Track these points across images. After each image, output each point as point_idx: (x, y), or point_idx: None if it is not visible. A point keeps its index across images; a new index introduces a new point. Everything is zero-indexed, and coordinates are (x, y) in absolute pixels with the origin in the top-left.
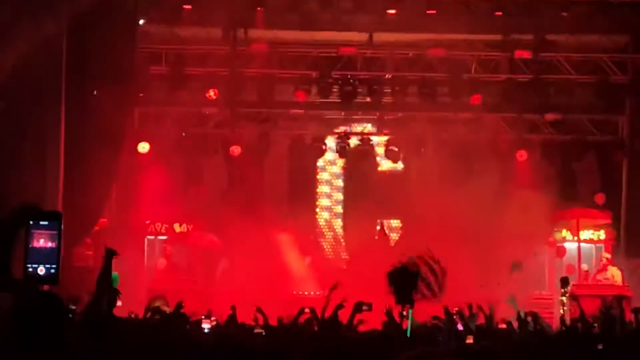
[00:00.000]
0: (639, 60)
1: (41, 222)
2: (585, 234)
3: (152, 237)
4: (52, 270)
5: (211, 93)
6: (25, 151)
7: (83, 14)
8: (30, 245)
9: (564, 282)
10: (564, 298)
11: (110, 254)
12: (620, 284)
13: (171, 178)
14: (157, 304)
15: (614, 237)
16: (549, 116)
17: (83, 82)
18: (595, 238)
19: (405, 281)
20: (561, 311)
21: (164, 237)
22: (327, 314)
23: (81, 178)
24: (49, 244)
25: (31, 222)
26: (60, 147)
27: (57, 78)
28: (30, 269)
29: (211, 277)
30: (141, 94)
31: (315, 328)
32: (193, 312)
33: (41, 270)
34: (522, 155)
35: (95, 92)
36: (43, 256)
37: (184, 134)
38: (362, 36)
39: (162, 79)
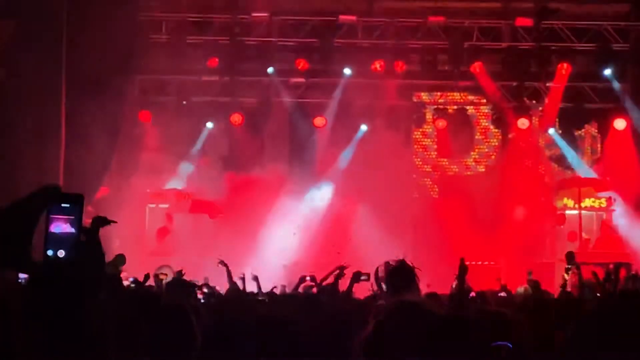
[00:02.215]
0: None
1: (62, 205)
2: (586, 202)
3: (154, 205)
4: (71, 255)
5: (212, 61)
6: (26, 118)
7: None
8: (50, 229)
9: (570, 257)
10: (566, 275)
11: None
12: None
13: (172, 146)
14: (163, 271)
15: (614, 205)
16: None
17: (83, 50)
18: (597, 206)
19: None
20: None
21: (166, 205)
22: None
23: (82, 147)
24: (70, 228)
25: (51, 205)
26: (61, 115)
27: (58, 46)
28: (51, 253)
29: (211, 245)
30: (142, 62)
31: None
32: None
33: (61, 253)
34: (523, 123)
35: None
36: (64, 240)
37: (184, 102)
38: (363, 4)
39: (162, 47)
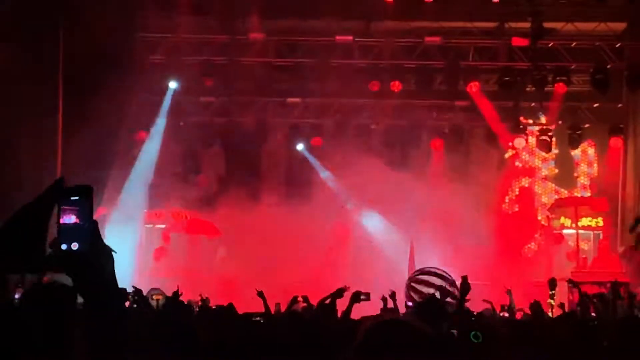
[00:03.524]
0: (636, 48)
1: (72, 198)
2: (583, 222)
3: (151, 225)
4: (85, 246)
5: (209, 81)
6: (24, 139)
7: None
8: (61, 222)
9: (552, 284)
10: (552, 301)
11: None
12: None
13: (170, 166)
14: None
15: (611, 224)
16: (547, 104)
17: (82, 69)
18: (593, 225)
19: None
20: (550, 314)
21: (163, 226)
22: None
23: (79, 166)
24: (81, 220)
25: (61, 199)
26: (58, 135)
27: (55, 64)
28: (64, 247)
29: (209, 265)
30: (139, 82)
31: (308, 316)
32: (190, 300)
33: (75, 246)
34: (519, 142)
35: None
36: (76, 232)
37: (181, 123)
38: (360, 24)
39: (159, 67)
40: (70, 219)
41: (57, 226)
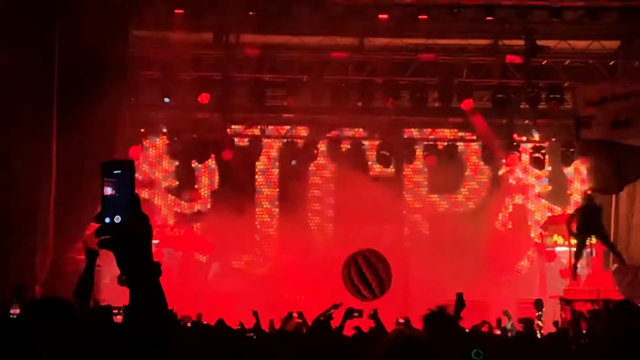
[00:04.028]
0: (629, 66)
1: (114, 172)
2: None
3: None
4: (126, 219)
5: (203, 97)
6: (17, 153)
7: (75, 18)
8: (105, 195)
9: (538, 305)
10: (539, 322)
11: (91, 254)
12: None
13: (163, 182)
14: None
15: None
16: (541, 121)
17: (75, 85)
18: (587, 242)
19: None
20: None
21: (156, 241)
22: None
23: (72, 182)
24: (123, 193)
25: (104, 172)
26: (52, 149)
27: (50, 80)
28: (108, 220)
29: (203, 281)
30: (132, 98)
31: (304, 332)
32: (184, 316)
33: (117, 219)
34: (512, 159)
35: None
36: (118, 205)
37: (175, 139)
38: (354, 41)
39: (153, 83)
40: (112, 192)
41: (102, 199)
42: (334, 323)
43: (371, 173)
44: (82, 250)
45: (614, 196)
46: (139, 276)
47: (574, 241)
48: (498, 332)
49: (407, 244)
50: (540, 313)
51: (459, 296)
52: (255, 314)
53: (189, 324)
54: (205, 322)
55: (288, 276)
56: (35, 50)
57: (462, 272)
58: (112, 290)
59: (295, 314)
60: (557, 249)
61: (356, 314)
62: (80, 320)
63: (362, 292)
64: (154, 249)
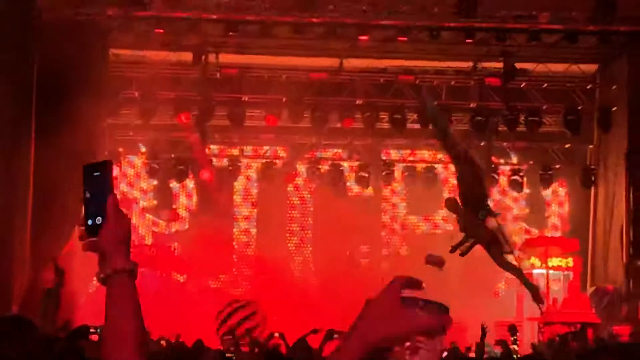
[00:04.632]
0: (607, 90)
1: (94, 174)
2: (553, 262)
3: None
4: (101, 221)
5: (182, 117)
6: None
7: (53, 38)
8: (86, 198)
9: (512, 330)
10: (515, 346)
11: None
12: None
13: (140, 201)
14: None
15: (582, 265)
16: (519, 144)
17: (53, 104)
18: (564, 265)
19: None
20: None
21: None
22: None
23: (49, 200)
24: (102, 194)
25: (84, 176)
26: (30, 166)
27: (28, 99)
28: (90, 222)
29: (181, 301)
30: (111, 117)
31: (284, 352)
32: (161, 337)
33: (98, 220)
34: (490, 182)
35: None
36: (98, 207)
37: (154, 159)
38: (333, 62)
39: (132, 102)
40: (92, 194)
41: (84, 202)
42: (315, 345)
43: (350, 194)
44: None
45: (591, 217)
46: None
47: (551, 264)
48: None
49: (385, 265)
50: (514, 338)
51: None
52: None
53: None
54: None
55: (266, 297)
56: (12, 69)
57: (439, 293)
58: (88, 309)
59: (276, 334)
60: (535, 271)
61: (336, 336)
62: (36, 339)
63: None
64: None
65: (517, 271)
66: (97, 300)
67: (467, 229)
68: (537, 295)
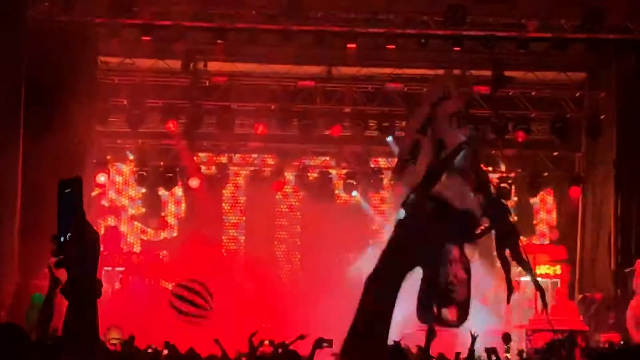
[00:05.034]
0: (596, 98)
1: (66, 190)
2: (541, 269)
3: (110, 268)
4: (66, 238)
5: (170, 125)
6: None
7: (43, 45)
8: (59, 214)
9: (507, 338)
10: (508, 354)
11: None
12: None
13: (130, 209)
14: (112, 334)
15: (569, 272)
16: (507, 151)
17: (42, 111)
18: (552, 273)
19: None
20: None
21: (122, 268)
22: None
23: (39, 208)
24: (73, 211)
25: (58, 193)
26: (18, 175)
27: (17, 105)
28: (62, 239)
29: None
30: (99, 124)
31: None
32: (149, 345)
33: (69, 237)
34: None
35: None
36: (69, 223)
37: (143, 167)
38: (322, 70)
39: (121, 110)
40: (64, 210)
41: (57, 219)
42: (304, 352)
43: (338, 202)
44: (47, 276)
45: (579, 225)
46: (78, 290)
47: (539, 271)
48: None
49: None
50: (508, 346)
51: (430, 327)
52: (217, 342)
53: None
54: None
55: (254, 304)
56: (1, 75)
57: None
58: None
59: (266, 342)
60: (522, 279)
61: (326, 344)
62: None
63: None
64: (119, 275)
65: (529, 267)
66: None
67: (491, 215)
68: (544, 296)
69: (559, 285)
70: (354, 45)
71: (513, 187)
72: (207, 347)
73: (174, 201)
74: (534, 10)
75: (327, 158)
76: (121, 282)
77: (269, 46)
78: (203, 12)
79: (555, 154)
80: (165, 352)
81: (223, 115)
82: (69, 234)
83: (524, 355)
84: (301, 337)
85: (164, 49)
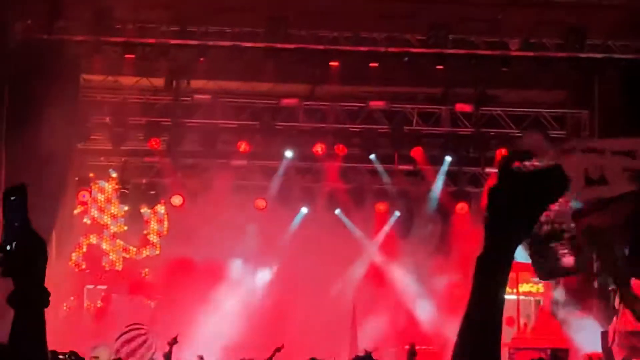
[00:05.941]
0: (577, 115)
1: (11, 198)
2: (524, 287)
3: (92, 286)
4: (12, 247)
5: (153, 143)
6: None
7: (25, 62)
8: (4, 223)
9: None
10: None
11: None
12: None
13: (112, 226)
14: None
15: (552, 290)
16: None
17: (24, 128)
18: (535, 291)
19: None
20: None
21: (104, 287)
22: None
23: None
24: (17, 219)
25: (3, 201)
26: None
27: None
28: (8, 247)
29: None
30: (82, 142)
31: None
32: None
33: (14, 246)
34: (462, 207)
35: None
36: (15, 232)
37: (126, 185)
38: (305, 87)
39: (103, 127)
40: (9, 219)
41: (3, 228)
42: None
43: (320, 219)
44: None
45: None
46: (24, 302)
47: (522, 289)
48: None
49: (356, 290)
50: None
51: (412, 346)
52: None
53: None
54: None
55: (236, 321)
56: None
57: (413, 319)
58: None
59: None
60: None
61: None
62: None
63: None
64: (101, 293)
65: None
66: (65, 326)
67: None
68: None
69: (542, 303)
70: (336, 63)
71: None
72: None
73: (156, 219)
74: (517, 29)
75: (310, 175)
76: (103, 300)
77: (252, 64)
78: (186, 30)
79: None
80: None
81: (206, 132)
82: (15, 242)
83: None
84: (278, 349)
85: (147, 66)
